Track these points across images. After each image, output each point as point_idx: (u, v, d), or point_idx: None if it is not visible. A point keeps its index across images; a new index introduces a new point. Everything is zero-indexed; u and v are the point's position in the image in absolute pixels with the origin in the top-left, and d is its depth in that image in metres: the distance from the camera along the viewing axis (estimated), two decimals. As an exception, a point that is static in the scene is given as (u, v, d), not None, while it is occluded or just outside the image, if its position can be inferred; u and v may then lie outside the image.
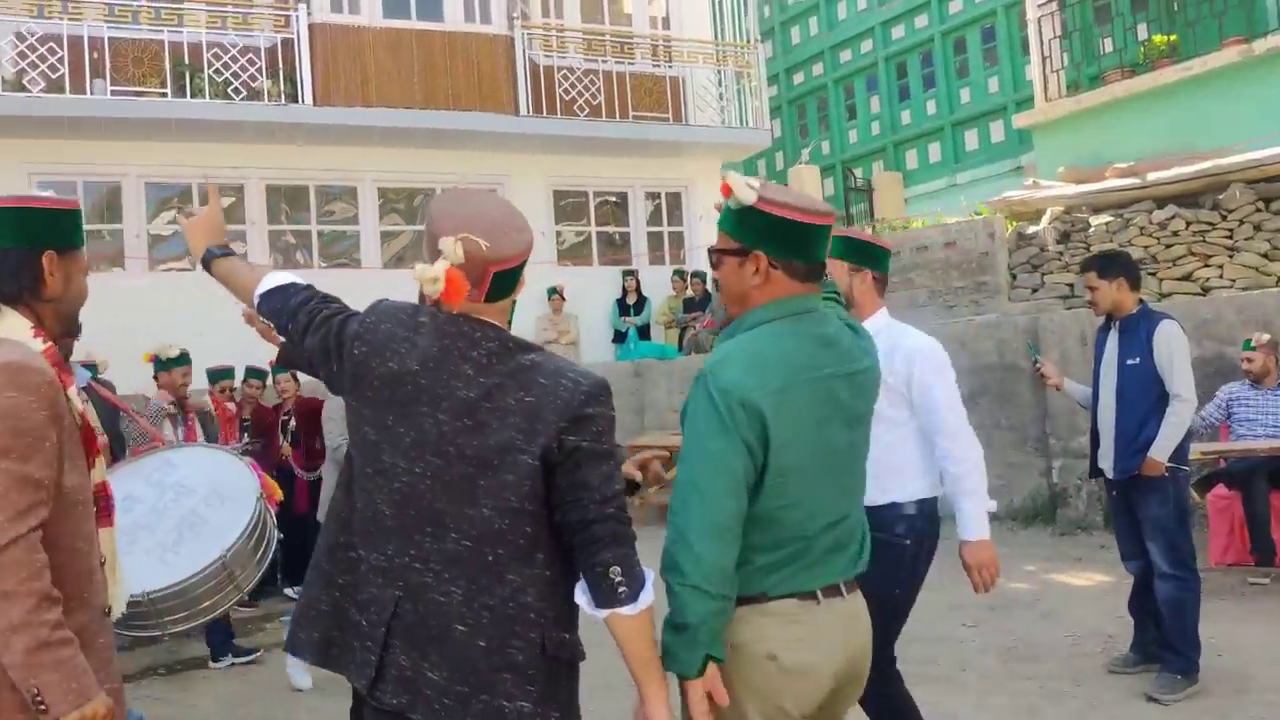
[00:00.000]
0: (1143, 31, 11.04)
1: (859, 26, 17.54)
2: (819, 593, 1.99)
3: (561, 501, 1.83)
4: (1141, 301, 4.59)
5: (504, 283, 1.90)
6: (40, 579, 1.75)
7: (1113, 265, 4.54)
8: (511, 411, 1.83)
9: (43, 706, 1.74)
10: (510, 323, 1.99)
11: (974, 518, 3.05)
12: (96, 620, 2.00)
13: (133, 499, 4.01)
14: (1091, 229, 9.45)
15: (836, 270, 3.14)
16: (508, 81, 11.17)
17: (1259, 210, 8.72)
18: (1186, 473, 4.50)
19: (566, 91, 11.55)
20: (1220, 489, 6.27)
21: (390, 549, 1.86)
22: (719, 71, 12.76)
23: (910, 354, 3.11)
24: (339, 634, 1.91)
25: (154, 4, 10.04)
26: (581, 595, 1.85)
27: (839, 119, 17.93)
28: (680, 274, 11.91)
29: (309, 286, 2.11)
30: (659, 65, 12.30)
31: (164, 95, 9.94)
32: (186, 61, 10.01)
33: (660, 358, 11.09)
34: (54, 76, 9.60)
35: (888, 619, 3.06)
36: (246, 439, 6.61)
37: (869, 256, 3.24)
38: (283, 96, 10.33)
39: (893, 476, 3.04)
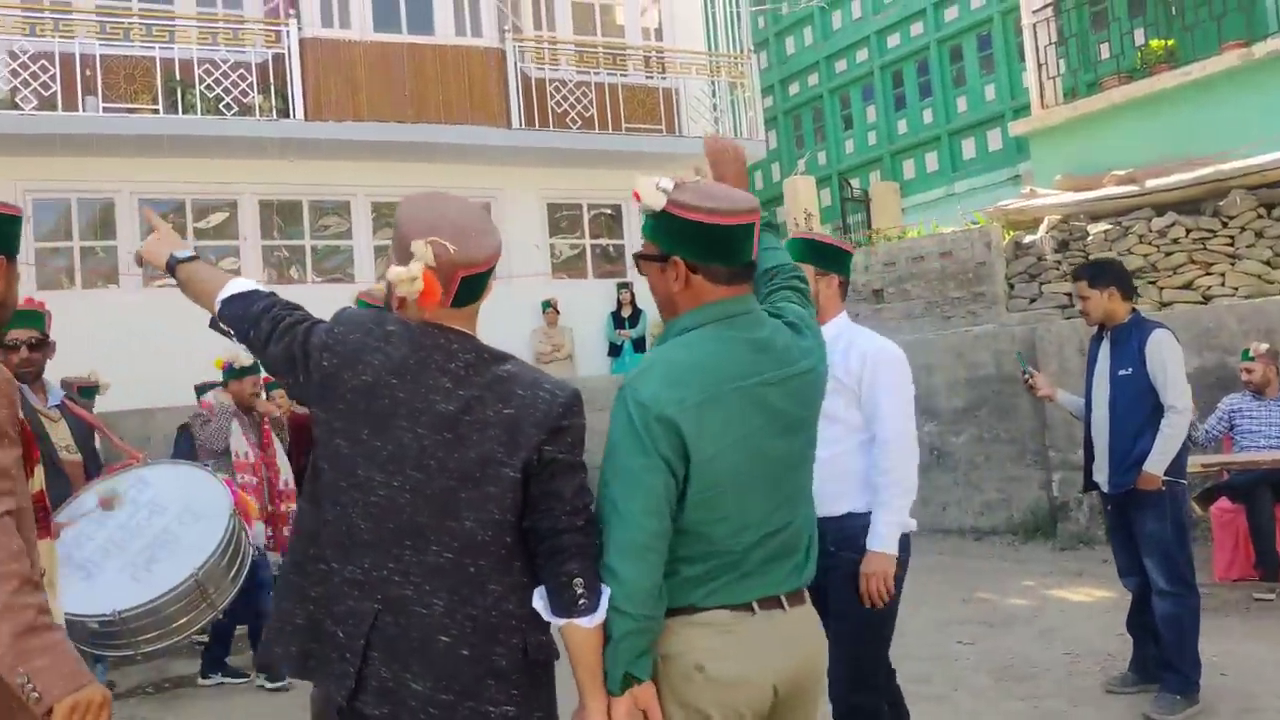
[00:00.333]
0: (1140, 37, 10.96)
1: (854, 36, 17.49)
2: (754, 604, 1.93)
3: (534, 509, 1.86)
4: (1134, 311, 4.50)
5: (472, 288, 1.90)
6: (19, 561, 1.69)
7: (1104, 274, 4.46)
8: (491, 424, 1.85)
9: (35, 694, 1.67)
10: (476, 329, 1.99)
11: (881, 529, 2.96)
12: None
13: (106, 516, 3.96)
14: (1090, 237, 9.36)
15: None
16: (499, 94, 11.12)
17: (1260, 217, 8.63)
18: (1184, 486, 4.41)
19: (559, 104, 11.50)
20: (1224, 502, 6.17)
21: (366, 562, 1.86)
22: (713, 83, 12.71)
23: (865, 354, 3.07)
24: (316, 646, 1.90)
25: (145, 20, 10.01)
26: (539, 601, 1.87)
27: (835, 129, 17.86)
28: (676, 286, 11.81)
29: (271, 294, 2.10)
30: (652, 77, 12.25)
31: (155, 112, 9.90)
32: (178, 78, 9.97)
33: (656, 371, 10.97)
34: (46, 94, 9.56)
35: (868, 640, 2.98)
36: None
37: (834, 260, 3.21)
38: (274, 112, 10.28)
39: (846, 483, 2.98)
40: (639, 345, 11.64)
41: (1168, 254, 8.93)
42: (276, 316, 2.01)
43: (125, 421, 7.51)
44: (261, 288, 2.13)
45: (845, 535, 2.95)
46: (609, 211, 12.61)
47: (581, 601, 1.81)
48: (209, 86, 10.06)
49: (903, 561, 3.05)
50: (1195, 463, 5.56)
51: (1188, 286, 8.79)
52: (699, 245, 1.92)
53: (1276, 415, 6.20)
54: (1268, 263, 8.51)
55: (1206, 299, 8.60)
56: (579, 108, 11.61)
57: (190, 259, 2.23)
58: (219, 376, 7.01)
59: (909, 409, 3.06)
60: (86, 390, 6.38)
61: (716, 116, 12.70)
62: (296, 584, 1.95)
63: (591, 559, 1.85)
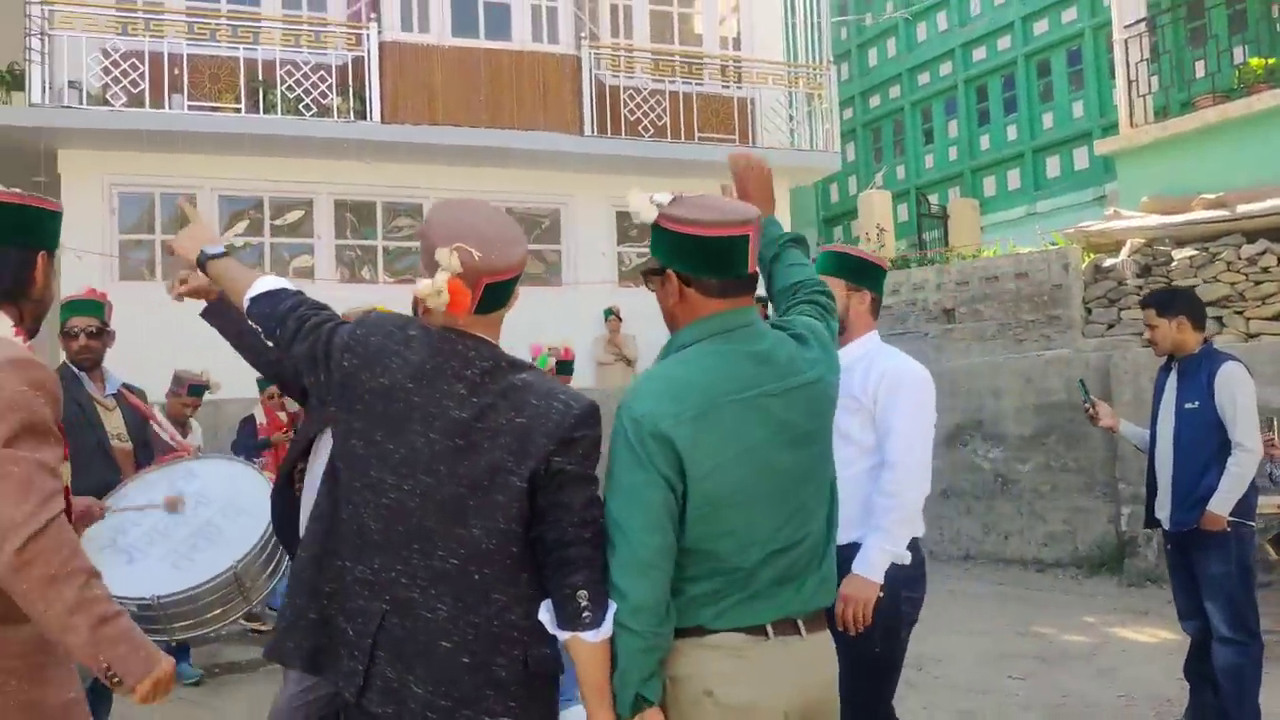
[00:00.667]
0: (1239, 55, 10.52)
1: (939, 48, 17.15)
2: (769, 627, 1.89)
3: (541, 520, 1.86)
4: (1206, 342, 4.29)
5: (496, 295, 1.91)
6: (80, 557, 1.78)
7: (1174, 303, 4.26)
8: (502, 432, 1.85)
9: (116, 679, 1.78)
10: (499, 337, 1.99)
11: (872, 554, 2.76)
12: None
13: (152, 506, 4.05)
14: (1174, 263, 9.00)
15: (834, 290, 2.97)
16: (573, 101, 11.16)
17: (1356, 247, 8.20)
18: (1251, 529, 4.18)
19: (632, 111, 11.49)
20: (1300, 545, 5.84)
21: (376, 563, 1.88)
22: (790, 93, 12.57)
23: (884, 373, 2.92)
24: (327, 642, 1.94)
25: (232, 22, 10.29)
26: (545, 614, 1.87)
27: (915, 143, 17.54)
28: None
29: (299, 293, 2.13)
30: (728, 86, 12.16)
31: (238, 111, 10.15)
32: (260, 78, 10.22)
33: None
34: (135, 91, 9.88)
35: (870, 679, 2.83)
36: None
37: (867, 275, 3.06)
38: (351, 113, 10.47)
39: (851, 508, 2.80)
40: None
41: (1257, 283, 8.54)
42: (302, 316, 2.04)
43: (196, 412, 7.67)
44: (289, 286, 2.15)
45: (848, 567, 2.77)
46: (679, 220, 12.54)
47: (585, 615, 1.80)
48: (289, 87, 10.29)
49: (915, 600, 2.91)
50: (1269, 503, 5.28)
51: (1277, 318, 8.39)
52: (690, 257, 1.92)
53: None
54: (1364, 295, 8.08)
55: (1297, 331, 8.19)
56: (652, 116, 11.58)
57: (221, 255, 2.28)
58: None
59: (924, 434, 2.90)
60: (195, 388, 6.39)
61: (792, 127, 12.57)
62: (310, 579, 1.98)
63: (599, 572, 1.84)
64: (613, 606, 1.83)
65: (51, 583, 1.74)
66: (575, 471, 1.86)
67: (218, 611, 3.86)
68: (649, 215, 1.92)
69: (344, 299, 10.25)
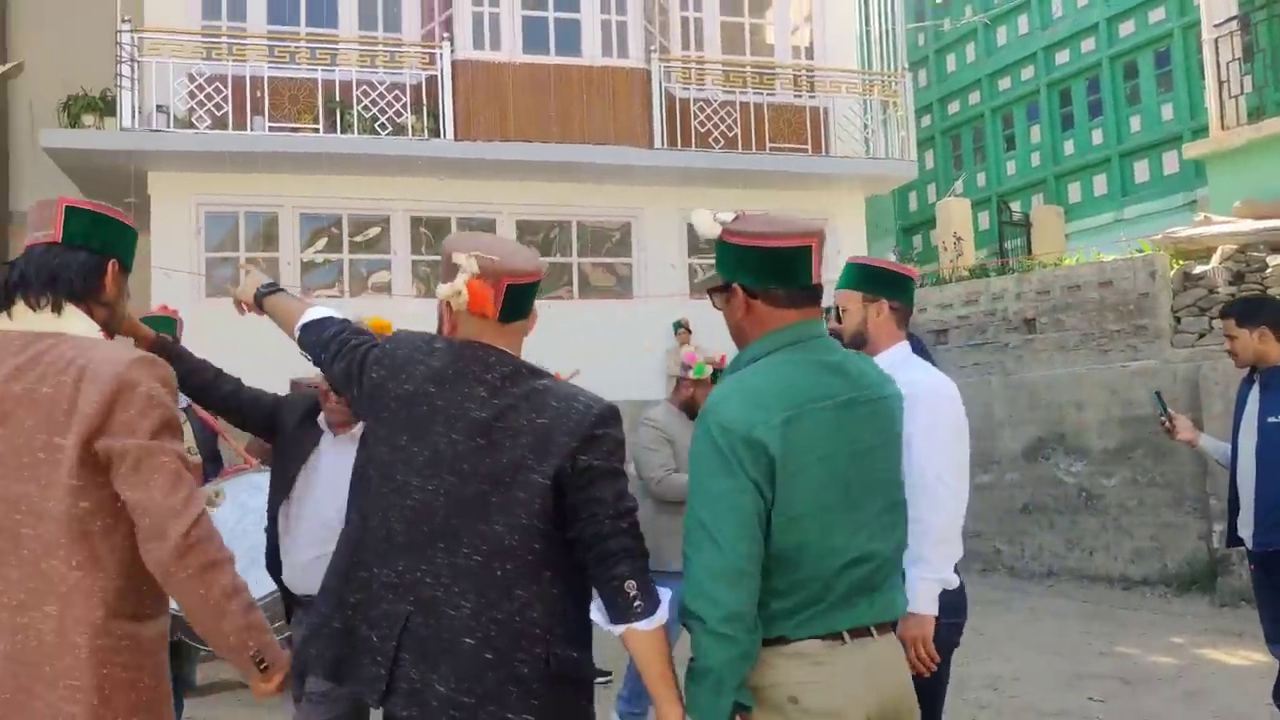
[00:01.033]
0: (1338, 52, 10.05)
1: (1020, 52, 16.72)
2: (845, 634, 1.92)
3: (576, 518, 1.90)
4: (1292, 353, 4.07)
5: (518, 300, 2.01)
6: (226, 547, 1.86)
7: (1256, 312, 4.06)
8: (523, 431, 1.92)
9: (265, 665, 1.86)
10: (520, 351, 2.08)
11: (917, 586, 2.64)
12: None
13: (217, 520, 4.14)
14: (1269, 269, 8.61)
15: (850, 302, 2.89)
16: (643, 114, 11.18)
17: None
18: (1341, 550, 3.94)
19: (702, 123, 11.46)
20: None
21: (401, 565, 1.94)
22: (864, 101, 12.40)
23: (903, 388, 2.80)
24: (350, 651, 1.98)
25: (311, 44, 10.58)
26: (597, 612, 1.92)
27: (996, 150, 17.12)
28: (817, 309, 11.56)
29: (344, 320, 2.29)
30: (800, 96, 12.05)
31: (316, 131, 10.42)
32: (337, 98, 10.47)
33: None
34: (219, 114, 10.22)
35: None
36: None
37: (886, 284, 2.92)
38: (425, 131, 10.66)
39: None
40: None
41: (1357, 289, 8.11)
42: (343, 339, 2.17)
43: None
44: (335, 314, 2.29)
45: None
46: (751, 232, 12.46)
47: (637, 605, 1.85)
48: (365, 107, 10.52)
49: (956, 624, 2.79)
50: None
51: (1380, 325, 7.94)
52: (755, 269, 1.96)
53: None
54: None
55: (1402, 339, 7.74)
56: (722, 127, 11.54)
57: (274, 290, 2.45)
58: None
59: (952, 451, 2.76)
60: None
61: (867, 136, 12.40)
62: (336, 590, 2.04)
63: (641, 561, 1.89)
64: (666, 594, 1.89)
65: (210, 567, 1.80)
66: (604, 466, 1.92)
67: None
68: (713, 231, 1.98)
69: (419, 314, 10.44)
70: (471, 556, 1.90)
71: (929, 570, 2.69)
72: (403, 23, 11.17)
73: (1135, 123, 15.13)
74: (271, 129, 10.33)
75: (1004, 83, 17.10)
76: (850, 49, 12.57)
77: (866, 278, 2.95)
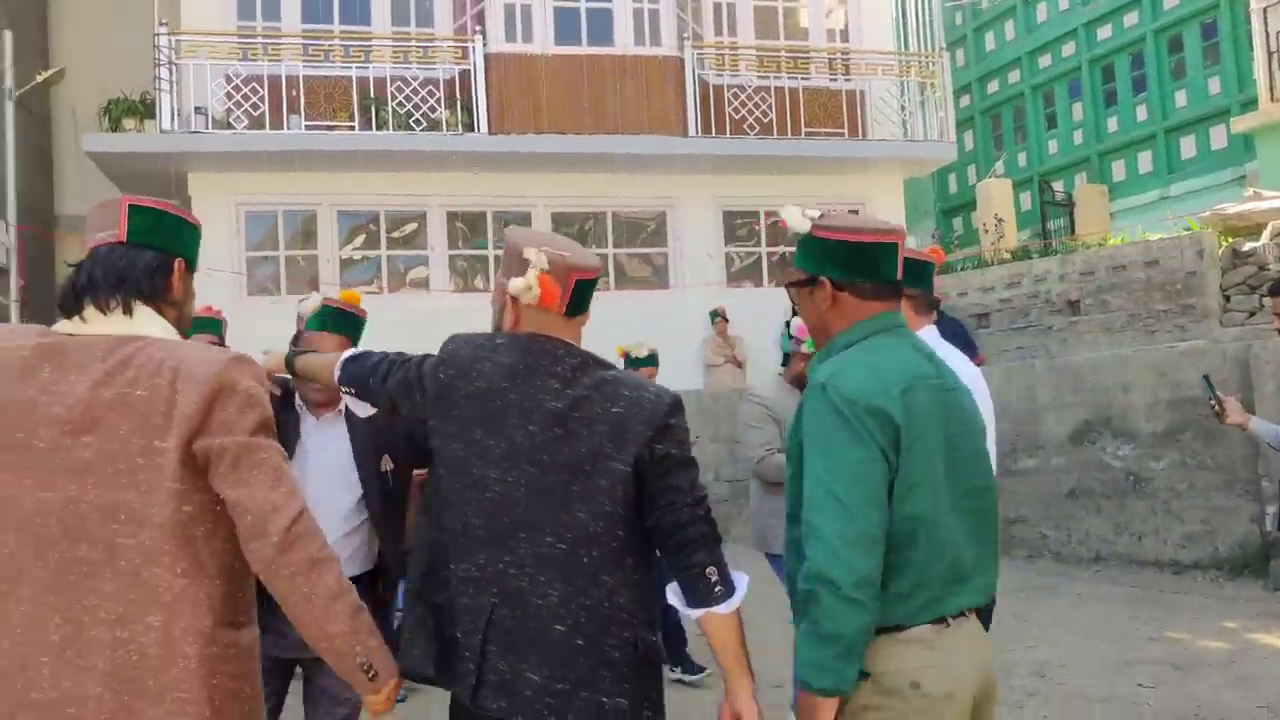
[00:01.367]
0: (1392, 19, 9.74)
1: (1060, 29, 16.41)
2: (949, 618, 1.97)
3: (654, 506, 1.96)
4: (1346, 331, 3.95)
5: (582, 295, 2.07)
6: (330, 547, 1.81)
7: (1306, 289, 3.93)
8: (599, 420, 1.97)
9: (373, 674, 1.81)
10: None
11: None
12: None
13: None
14: (1321, 244, 8.39)
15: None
16: (677, 102, 11.12)
17: None
18: (1399, 534, 3.82)
19: (737, 110, 11.37)
20: None
21: (482, 558, 1.95)
22: (901, 83, 12.23)
23: None
24: (441, 650, 2.01)
25: (345, 42, 10.64)
26: (675, 597, 1.98)
27: (1037, 128, 16.83)
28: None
29: (384, 351, 2.30)
30: (835, 79, 11.92)
31: (352, 128, 10.49)
32: (372, 95, 10.53)
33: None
34: (255, 114, 10.32)
35: None
36: None
37: (904, 271, 2.86)
38: (460, 126, 10.68)
39: None
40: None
41: None
42: (393, 359, 2.20)
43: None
44: (374, 351, 2.32)
45: None
46: (787, 218, 12.37)
47: (717, 589, 1.92)
48: (400, 103, 10.57)
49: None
50: None
51: None
52: (844, 263, 2.03)
53: None
54: None
55: None
56: (757, 113, 11.44)
57: (301, 352, 2.57)
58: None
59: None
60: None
61: (904, 118, 12.23)
62: (420, 594, 2.06)
63: (718, 547, 1.96)
64: (743, 579, 1.97)
65: (314, 565, 1.74)
66: (679, 455, 1.98)
67: None
68: (804, 227, 2.04)
69: (458, 308, 10.47)
70: (556, 545, 1.93)
71: None
72: (435, 17, 11.20)
73: (1181, 97, 14.81)
74: (308, 127, 10.41)
75: (1044, 60, 16.81)
76: (886, 30, 12.40)
77: None
